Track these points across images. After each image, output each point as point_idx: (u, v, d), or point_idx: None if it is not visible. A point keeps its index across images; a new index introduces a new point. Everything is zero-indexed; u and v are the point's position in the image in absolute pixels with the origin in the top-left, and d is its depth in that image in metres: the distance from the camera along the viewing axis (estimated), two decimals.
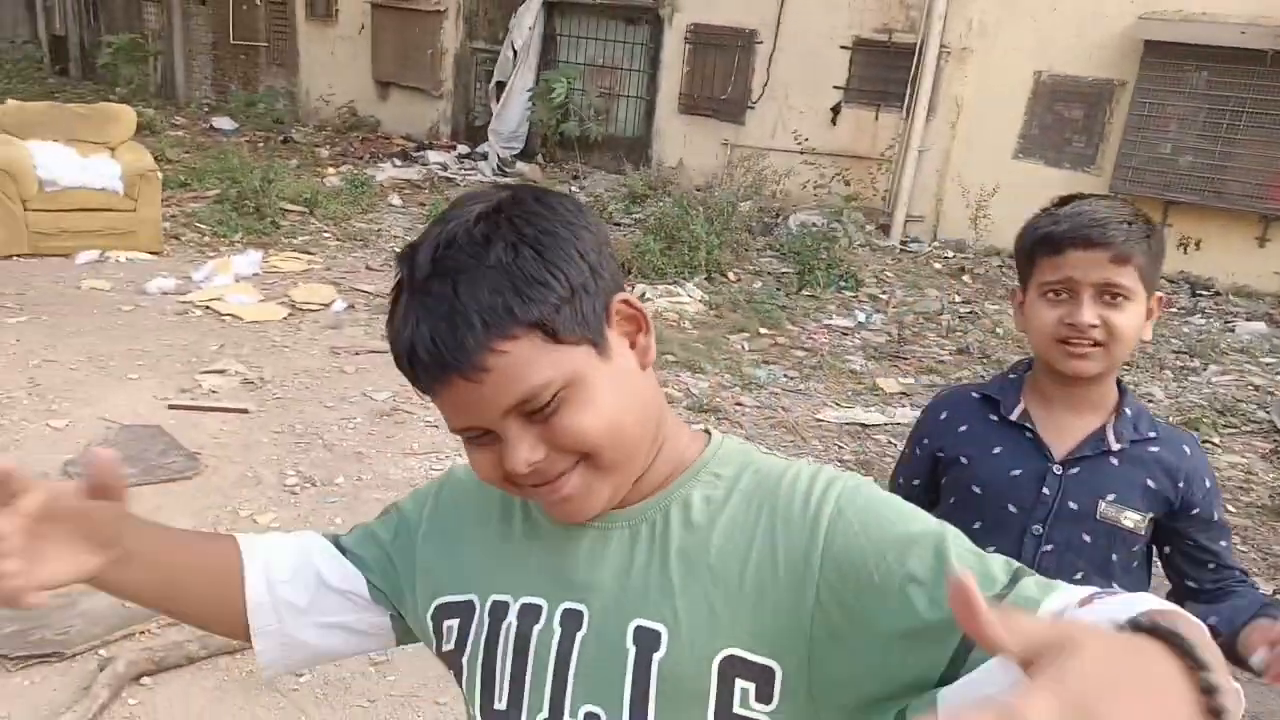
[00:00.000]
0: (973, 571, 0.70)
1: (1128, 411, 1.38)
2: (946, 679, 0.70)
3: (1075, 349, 1.33)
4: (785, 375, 5.65)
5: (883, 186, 9.54)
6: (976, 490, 1.41)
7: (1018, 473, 1.38)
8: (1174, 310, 7.66)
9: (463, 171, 11.27)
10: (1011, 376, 1.46)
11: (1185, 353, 6.61)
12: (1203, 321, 7.39)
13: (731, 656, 0.76)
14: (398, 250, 0.79)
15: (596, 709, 0.79)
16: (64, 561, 0.79)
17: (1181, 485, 1.36)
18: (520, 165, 11.38)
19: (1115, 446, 1.36)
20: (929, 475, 1.51)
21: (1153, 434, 1.38)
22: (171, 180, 8.75)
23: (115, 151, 6.96)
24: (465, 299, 0.71)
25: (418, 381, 0.75)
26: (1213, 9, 7.82)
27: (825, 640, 0.74)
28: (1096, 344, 1.32)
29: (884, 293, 7.60)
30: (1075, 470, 1.36)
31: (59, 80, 16.12)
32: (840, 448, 4.73)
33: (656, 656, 0.77)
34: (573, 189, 9.89)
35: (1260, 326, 7.33)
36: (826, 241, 7.85)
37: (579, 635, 0.80)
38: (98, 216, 6.55)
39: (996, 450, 1.41)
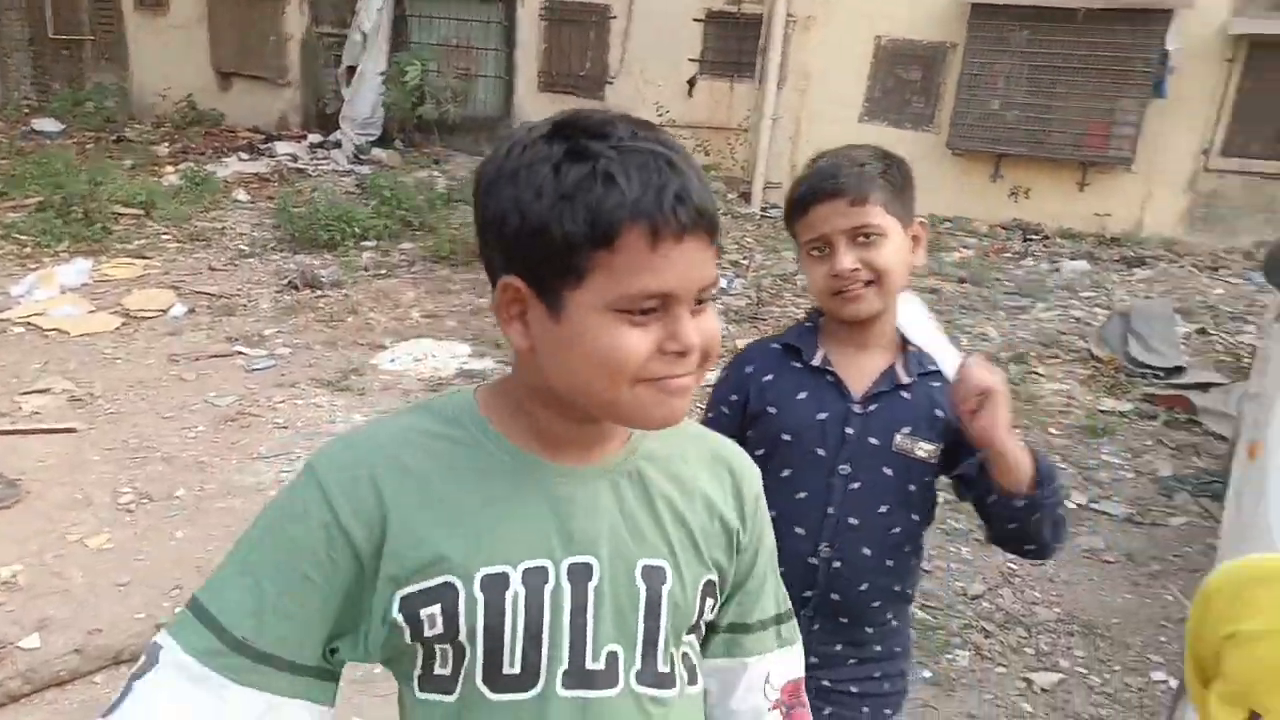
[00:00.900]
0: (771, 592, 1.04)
1: (911, 348, 1.43)
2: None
3: (849, 294, 1.36)
4: None
5: (741, 156, 9.70)
6: (786, 438, 1.42)
7: (823, 416, 1.41)
8: (1007, 255, 8.13)
9: (315, 162, 10.84)
10: (808, 324, 1.49)
11: (1016, 293, 7.03)
12: (1032, 264, 7.85)
13: (709, 581, 0.93)
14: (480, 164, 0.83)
15: (616, 647, 0.88)
16: None
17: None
18: (377, 152, 11.02)
19: (905, 380, 1.41)
20: (738, 432, 1.48)
21: (933, 367, 1.42)
22: None
23: None
24: (701, 176, 0.80)
25: (662, 226, 0.75)
26: None
27: (734, 559, 0.97)
28: (868, 283, 1.35)
29: (744, 258, 7.74)
30: (874, 407, 1.41)
31: None
32: (699, 409, 4.79)
33: (665, 589, 0.89)
34: (434, 174, 9.65)
35: (1083, 265, 7.85)
36: None
37: (590, 585, 0.86)
38: None
39: (801, 396, 1.43)
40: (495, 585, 0.83)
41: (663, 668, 0.91)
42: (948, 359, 1.34)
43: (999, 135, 8.73)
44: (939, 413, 1.40)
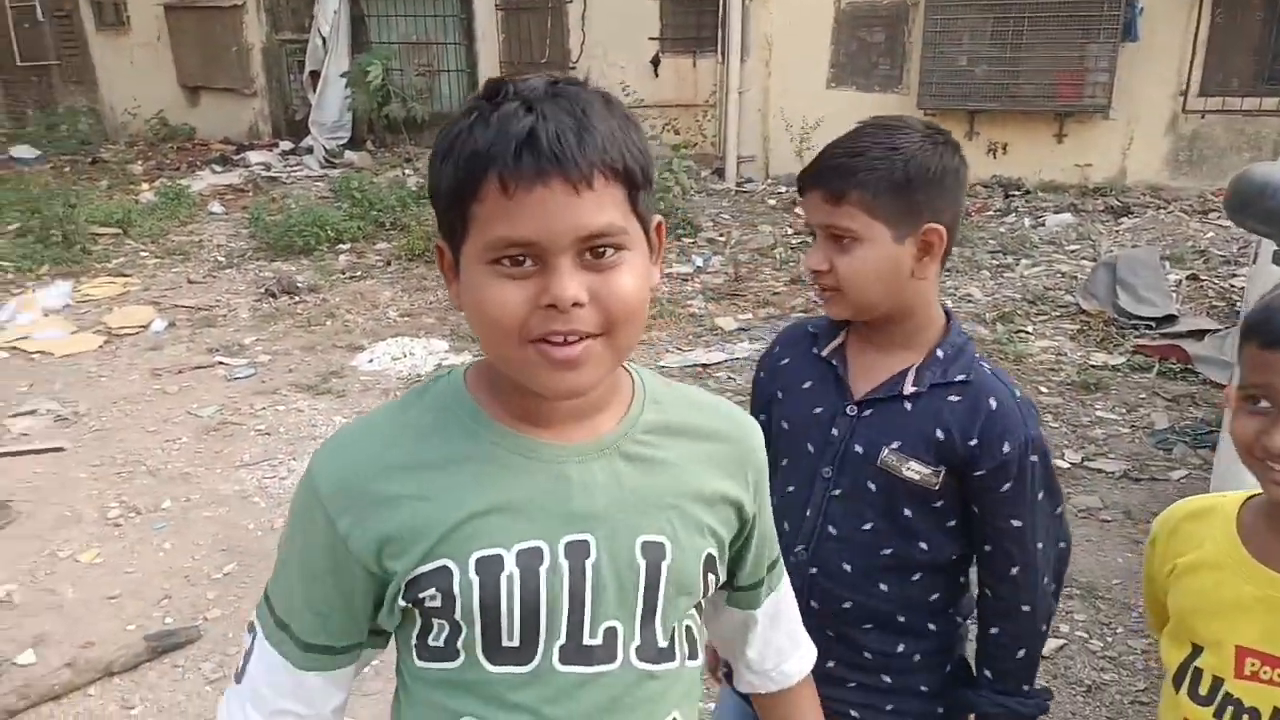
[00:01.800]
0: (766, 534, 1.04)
1: (940, 354, 1.26)
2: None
3: (821, 294, 1.27)
4: None
5: (711, 132, 9.71)
6: (785, 426, 1.35)
7: (819, 410, 1.31)
8: (989, 213, 8.12)
9: (288, 169, 10.85)
10: None
11: (1000, 251, 7.01)
12: (1014, 220, 7.85)
13: (709, 555, 0.93)
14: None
15: (614, 623, 0.88)
16: None
17: (974, 443, 1.22)
18: (349, 155, 11.03)
19: (909, 391, 1.25)
20: (764, 410, 1.41)
21: (962, 378, 1.25)
22: None
23: None
24: (595, 120, 0.76)
25: (508, 173, 0.74)
26: None
27: (740, 529, 0.98)
28: (833, 289, 1.23)
29: (721, 235, 7.77)
30: (868, 413, 1.27)
31: None
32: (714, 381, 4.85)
33: (665, 564, 0.89)
34: (405, 172, 9.67)
35: (1067, 217, 7.84)
36: (660, 193, 7.94)
37: (588, 562, 0.86)
38: None
39: (806, 385, 1.34)
40: (490, 567, 0.84)
41: (662, 643, 0.91)
42: None
43: (969, 91, 8.70)
44: (940, 434, 1.23)
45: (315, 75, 11.27)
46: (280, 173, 10.64)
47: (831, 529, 1.30)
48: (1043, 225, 7.70)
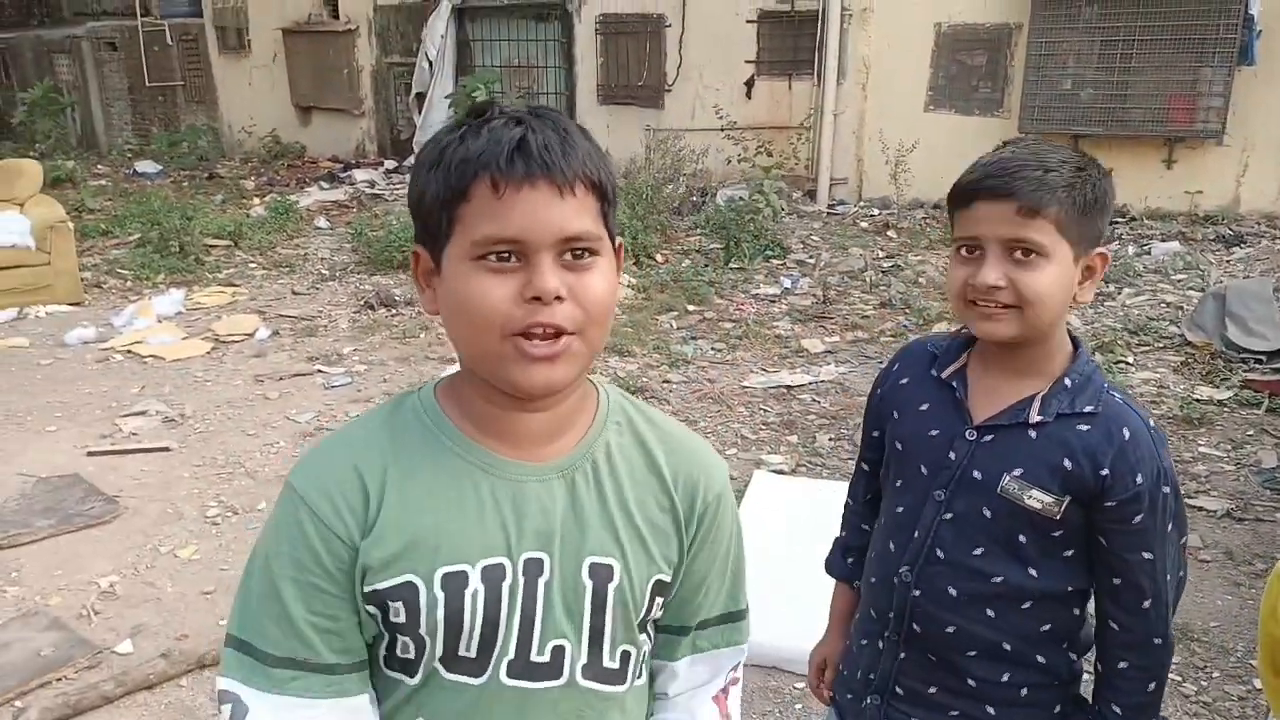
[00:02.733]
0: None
1: (1068, 382, 1.24)
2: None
3: (983, 310, 1.21)
4: (713, 348, 5.72)
5: (805, 154, 9.63)
6: (899, 446, 1.34)
7: (935, 433, 1.30)
8: None
9: (392, 186, 11.24)
10: (964, 331, 1.34)
11: (1102, 279, 6.74)
12: (1118, 247, 7.55)
13: (659, 580, 0.94)
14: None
15: (562, 641, 0.90)
16: None
17: (1105, 473, 1.20)
18: None
19: (1035, 419, 1.23)
20: (879, 426, 1.42)
21: (1090, 409, 1.23)
22: (92, 229, 8.69)
23: (24, 207, 6.88)
24: (574, 136, 0.85)
25: (499, 175, 0.81)
26: None
27: (683, 559, 0.97)
28: (1007, 306, 1.19)
29: (810, 257, 7.69)
30: (989, 439, 1.25)
31: None
32: (765, 411, 4.80)
33: (611, 586, 0.91)
34: None
35: (1174, 246, 7.50)
36: (750, 214, 7.92)
37: (541, 580, 0.89)
38: (10, 274, 6.48)
39: (924, 407, 1.33)
40: (455, 583, 0.86)
41: (609, 663, 0.93)
42: None
43: (1074, 115, 8.44)
44: (1068, 463, 1.21)
45: (421, 97, 11.67)
46: (384, 190, 11.03)
47: (939, 552, 1.29)
48: (1148, 253, 7.40)
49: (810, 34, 9.39)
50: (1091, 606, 1.31)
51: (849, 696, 1.43)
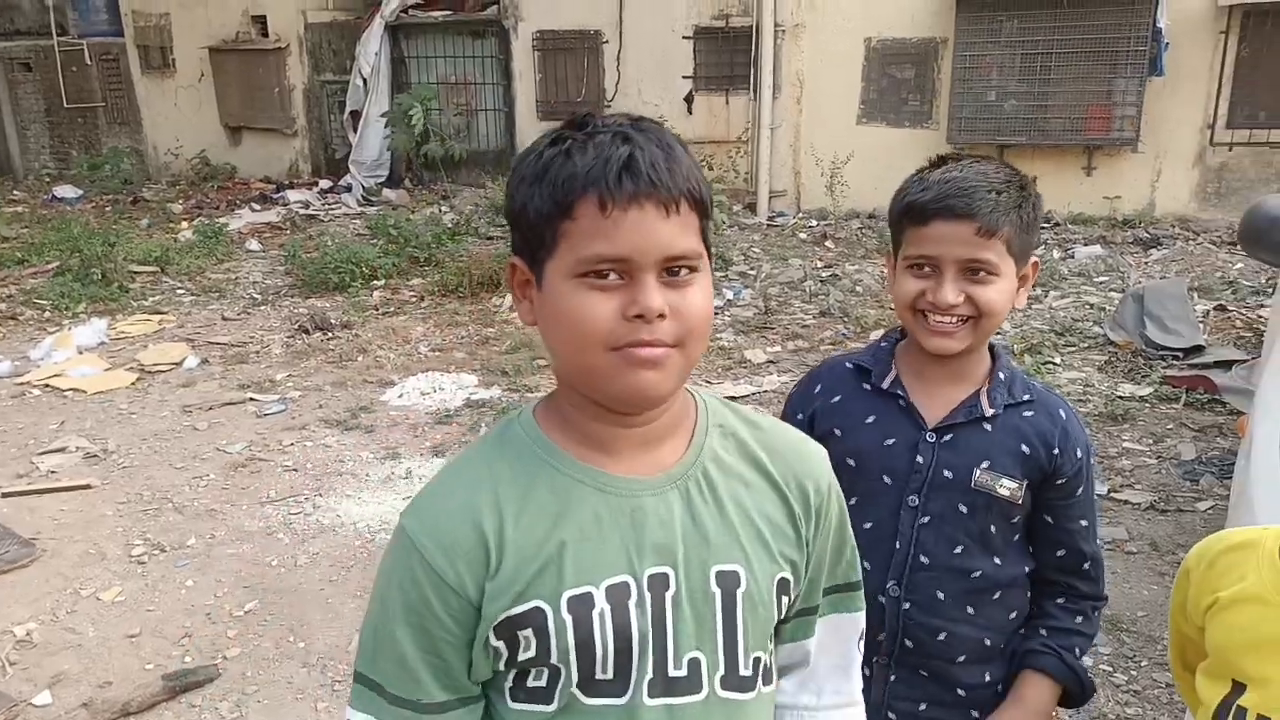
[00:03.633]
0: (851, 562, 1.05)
1: (1001, 376, 1.32)
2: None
3: (936, 326, 1.26)
4: None
5: (744, 167, 9.72)
6: (851, 463, 1.32)
7: (891, 442, 1.32)
8: None
9: (327, 206, 11.02)
10: (883, 344, 1.39)
11: (1033, 285, 6.92)
12: (1043, 252, 7.75)
13: (783, 579, 0.94)
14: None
15: (697, 654, 0.90)
16: None
17: (1056, 451, 1.30)
18: (387, 193, 11.19)
19: (989, 413, 1.30)
20: None
21: (1027, 397, 1.31)
22: (7, 258, 8.35)
23: None
24: (678, 153, 0.84)
25: (607, 194, 0.80)
26: None
27: (804, 552, 0.98)
28: (965, 319, 1.26)
29: (752, 269, 7.73)
30: (949, 438, 1.30)
31: None
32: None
33: (740, 592, 0.91)
34: (442, 209, 9.77)
35: (1096, 249, 7.76)
36: None
37: (668, 595, 0.88)
38: None
39: (870, 420, 1.34)
40: (582, 605, 0.86)
41: (745, 671, 0.93)
42: None
43: (999, 126, 8.70)
44: (1025, 448, 1.29)
45: (355, 115, 11.49)
46: (318, 210, 10.81)
47: (924, 558, 1.31)
48: (1072, 257, 7.62)
49: (745, 50, 9.49)
50: None
51: None
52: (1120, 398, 4.82)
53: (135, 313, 6.97)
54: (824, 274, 7.40)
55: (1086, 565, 1.35)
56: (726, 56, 9.70)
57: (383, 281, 7.50)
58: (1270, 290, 6.27)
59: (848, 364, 1.41)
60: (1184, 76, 8.08)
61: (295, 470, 4.33)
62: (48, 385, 5.48)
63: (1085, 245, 7.87)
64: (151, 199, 11.70)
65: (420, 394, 5.22)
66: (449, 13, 11.22)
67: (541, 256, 0.85)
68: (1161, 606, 3.06)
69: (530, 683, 0.89)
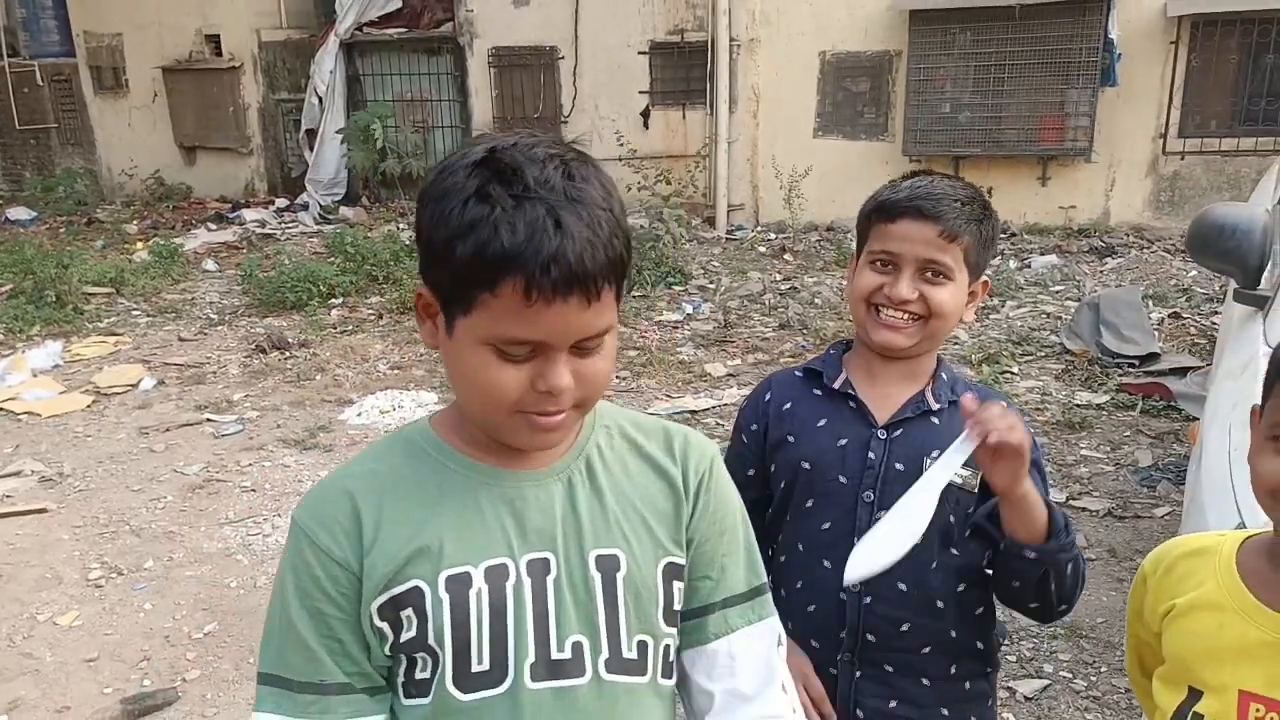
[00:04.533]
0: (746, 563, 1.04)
1: (943, 376, 1.39)
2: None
3: (887, 320, 1.32)
4: (617, 376, 5.73)
5: (702, 181, 9.79)
6: (806, 466, 1.37)
7: (844, 442, 1.36)
8: None
9: (283, 225, 10.95)
10: (831, 352, 1.45)
11: (987, 297, 7.04)
12: (1000, 262, 7.90)
13: (670, 563, 0.97)
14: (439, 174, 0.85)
15: (580, 637, 0.92)
16: None
17: None
18: (344, 210, 11.14)
19: (935, 406, 1.35)
20: (760, 461, 1.44)
21: (968, 393, 1.31)
22: None
23: None
24: (603, 225, 0.82)
25: (534, 284, 0.79)
26: None
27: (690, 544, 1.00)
28: (916, 318, 1.31)
29: (711, 282, 7.81)
30: (898, 433, 1.34)
31: None
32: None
33: (620, 575, 0.93)
34: (400, 227, 9.74)
35: (1052, 259, 7.91)
36: (651, 241, 7.99)
37: (549, 578, 0.91)
38: None
39: (821, 423, 1.38)
40: (459, 585, 0.89)
41: (629, 654, 0.94)
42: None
43: (954, 138, 8.84)
44: None
45: (311, 133, 11.44)
46: (275, 229, 10.73)
47: None
48: (1028, 267, 7.77)
49: (701, 64, 9.60)
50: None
51: None
52: (1078, 406, 4.88)
53: (90, 335, 6.88)
54: (783, 287, 7.49)
55: None
56: (683, 71, 9.81)
57: (340, 300, 7.48)
58: (1223, 297, 6.42)
59: (796, 373, 1.46)
60: (1136, 87, 8.25)
61: (253, 491, 4.30)
62: (2, 409, 5.39)
63: (1041, 255, 8.02)
64: (106, 220, 11.55)
65: (379, 412, 5.21)
66: (404, 30, 11.23)
67: (454, 310, 0.84)
68: (1120, 613, 3.08)
69: (418, 674, 0.91)
